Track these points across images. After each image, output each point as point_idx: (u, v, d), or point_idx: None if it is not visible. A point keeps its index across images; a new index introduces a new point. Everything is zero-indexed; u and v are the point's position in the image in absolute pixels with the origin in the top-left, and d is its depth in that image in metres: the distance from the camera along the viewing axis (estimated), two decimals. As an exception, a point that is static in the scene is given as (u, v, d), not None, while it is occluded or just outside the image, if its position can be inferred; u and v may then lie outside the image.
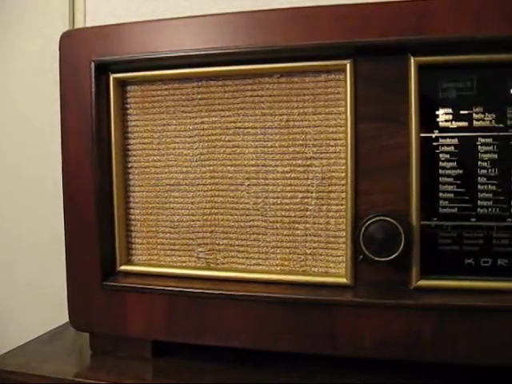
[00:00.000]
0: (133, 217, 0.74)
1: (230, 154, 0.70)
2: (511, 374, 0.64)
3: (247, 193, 0.69)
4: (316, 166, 0.67)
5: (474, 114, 0.63)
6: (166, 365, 0.73)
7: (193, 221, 0.72)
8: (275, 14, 0.67)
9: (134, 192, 0.74)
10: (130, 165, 0.74)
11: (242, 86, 0.69)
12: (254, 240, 0.70)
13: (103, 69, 0.72)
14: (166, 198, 0.73)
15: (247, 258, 0.70)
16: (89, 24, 1.06)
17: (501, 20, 0.61)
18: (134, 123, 0.73)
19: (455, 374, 0.67)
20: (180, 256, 0.73)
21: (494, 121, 0.63)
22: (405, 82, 0.64)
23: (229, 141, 0.70)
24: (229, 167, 0.70)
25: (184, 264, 0.73)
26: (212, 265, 0.72)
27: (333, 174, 0.67)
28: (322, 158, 0.67)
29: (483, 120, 0.63)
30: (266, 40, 0.66)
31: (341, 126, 0.66)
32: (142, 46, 0.70)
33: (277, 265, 0.69)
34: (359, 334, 0.64)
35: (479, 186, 0.63)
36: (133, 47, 0.71)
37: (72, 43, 0.73)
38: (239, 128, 0.69)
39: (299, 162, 0.68)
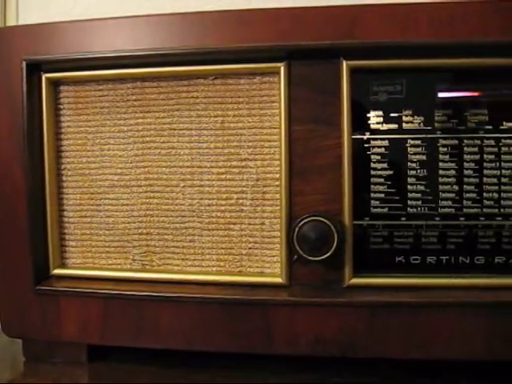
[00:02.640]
0: (66, 219, 0.73)
1: (165, 155, 0.70)
2: (441, 367, 0.67)
3: (182, 194, 0.69)
4: (251, 168, 0.68)
5: (403, 117, 0.65)
6: (102, 369, 0.72)
7: (128, 223, 0.71)
8: (210, 15, 0.67)
9: (67, 194, 0.73)
10: (63, 166, 0.72)
11: (177, 87, 0.69)
12: (190, 241, 0.70)
13: (35, 68, 0.70)
14: (100, 199, 0.72)
15: (183, 259, 0.70)
16: (21, 22, 1.03)
17: (428, 26, 0.63)
18: (67, 124, 0.72)
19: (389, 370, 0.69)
20: (115, 258, 0.72)
21: (422, 123, 0.65)
22: (337, 85, 0.65)
23: (164, 142, 0.70)
24: (164, 169, 0.70)
25: (119, 266, 0.72)
26: (148, 267, 0.71)
27: (267, 175, 0.67)
28: (256, 160, 0.68)
29: (412, 122, 0.65)
30: (200, 42, 0.66)
31: (275, 128, 0.67)
32: (75, 46, 0.69)
33: (213, 266, 0.70)
34: (295, 333, 0.65)
35: (409, 187, 0.66)
36: (66, 47, 0.69)
37: (2, 41, 0.71)
38: (174, 129, 0.69)
39: (234, 163, 0.68)
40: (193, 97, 0.69)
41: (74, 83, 0.72)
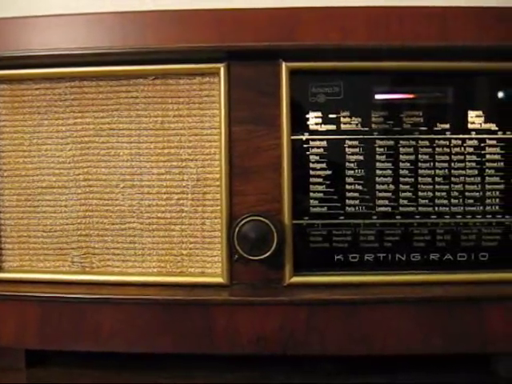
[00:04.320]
0: (2, 221, 0.71)
1: (104, 155, 0.69)
2: (381, 361, 0.69)
3: (122, 195, 0.69)
4: (191, 168, 0.68)
5: (341, 118, 0.67)
6: (41, 374, 0.70)
7: (66, 224, 0.70)
8: (150, 15, 0.67)
9: (2, 196, 0.71)
10: (-2, 167, 0.71)
11: (117, 87, 0.68)
12: (130, 242, 0.69)
13: (-32, 66, 0.69)
14: (37, 201, 0.70)
15: (123, 260, 0.70)
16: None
17: (365, 30, 0.65)
18: (2, 124, 0.70)
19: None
20: (54, 261, 0.71)
21: (359, 124, 0.67)
22: (277, 87, 0.66)
23: (103, 142, 0.69)
24: (103, 169, 0.69)
25: (58, 269, 0.71)
26: (87, 269, 0.70)
27: (208, 176, 0.68)
28: (196, 160, 0.68)
29: (350, 123, 0.67)
30: (140, 41, 0.66)
31: (215, 128, 0.67)
32: (11, 43, 0.68)
33: (153, 267, 0.69)
34: (236, 332, 0.66)
35: (347, 186, 0.67)
36: (2, 44, 0.68)
37: None
38: (113, 129, 0.69)
39: (174, 163, 0.68)
40: (132, 97, 0.68)
41: (9, 81, 0.70)
